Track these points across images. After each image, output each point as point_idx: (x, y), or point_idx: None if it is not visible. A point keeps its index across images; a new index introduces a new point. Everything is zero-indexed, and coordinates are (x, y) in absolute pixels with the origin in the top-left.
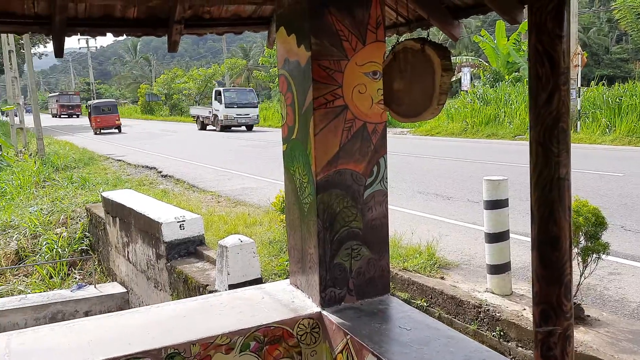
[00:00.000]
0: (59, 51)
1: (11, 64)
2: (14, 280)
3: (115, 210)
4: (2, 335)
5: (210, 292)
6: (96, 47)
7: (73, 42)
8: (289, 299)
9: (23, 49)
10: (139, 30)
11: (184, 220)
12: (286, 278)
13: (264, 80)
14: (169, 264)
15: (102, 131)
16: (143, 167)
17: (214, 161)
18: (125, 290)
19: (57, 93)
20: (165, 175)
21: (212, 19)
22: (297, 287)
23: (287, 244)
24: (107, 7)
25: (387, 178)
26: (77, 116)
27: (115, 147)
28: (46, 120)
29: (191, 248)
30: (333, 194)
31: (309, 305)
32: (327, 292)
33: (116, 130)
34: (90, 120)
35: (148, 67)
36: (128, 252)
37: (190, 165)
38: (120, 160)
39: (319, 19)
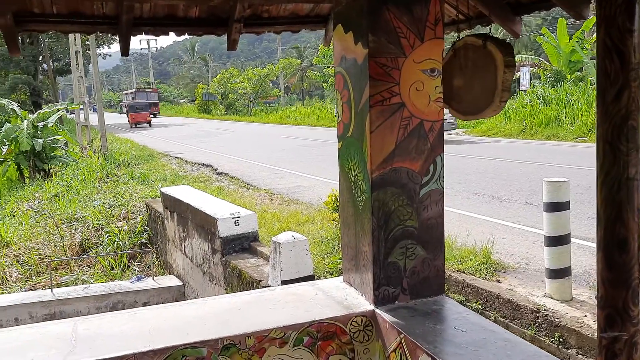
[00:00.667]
0: (125, 50)
1: (77, 64)
2: (78, 270)
3: (173, 205)
4: (68, 320)
5: (264, 287)
6: (156, 48)
7: (135, 43)
8: (342, 296)
9: (88, 50)
10: (200, 30)
11: (239, 217)
12: (339, 276)
13: (317, 80)
14: (224, 259)
15: (137, 125)
16: (199, 164)
17: (268, 160)
18: (182, 283)
19: (133, 90)
20: (221, 173)
21: (270, 18)
22: (350, 285)
23: (339, 242)
24: (170, 6)
25: (443, 177)
26: (154, 116)
27: (173, 145)
28: (114, 118)
29: (245, 244)
30: (388, 192)
31: (362, 302)
32: (380, 290)
33: (147, 125)
34: (127, 117)
35: (205, 67)
36: (185, 247)
37: (245, 164)
38: (177, 158)
39: (377, 15)
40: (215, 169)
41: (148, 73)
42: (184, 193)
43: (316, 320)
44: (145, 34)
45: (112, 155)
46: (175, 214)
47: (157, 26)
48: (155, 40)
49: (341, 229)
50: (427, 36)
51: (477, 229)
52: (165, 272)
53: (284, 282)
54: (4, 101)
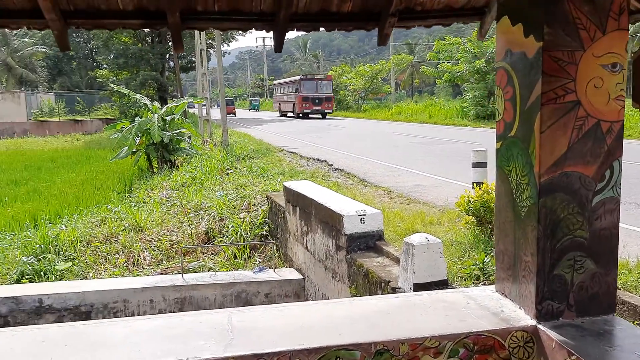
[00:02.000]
0: (278, 46)
1: (202, 61)
2: (204, 258)
3: (296, 199)
4: (222, 311)
5: (393, 289)
6: (270, 45)
7: (250, 41)
8: (497, 308)
9: (209, 48)
10: (350, 25)
11: (365, 214)
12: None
13: (431, 76)
14: (348, 256)
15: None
16: (314, 159)
17: (383, 156)
18: (302, 277)
19: (299, 77)
20: (336, 169)
21: (423, 11)
22: (505, 296)
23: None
24: (325, 1)
25: (620, 184)
26: (324, 116)
27: (287, 139)
28: (246, 113)
29: (370, 242)
30: (557, 198)
31: (521, 316)
32: (543, 304)
33: (233, 115)
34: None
35: (316, 63)
36: (306, 241)
37: (360, 160)
38: (293, 153)
39: (554, 5)
40: (331, 165)
41: (262, 70)
42: (307, 188)
43: (473, 332)
44: (297, 30)
45: (232, 148)
46: (297, 208)
47: (310, 22)
48: (270, 37)
49: (496, 235)
50: (610, 27)
51: (633, 240)
52: (285, 264)
53: (416, 286)
54: (138, 96)
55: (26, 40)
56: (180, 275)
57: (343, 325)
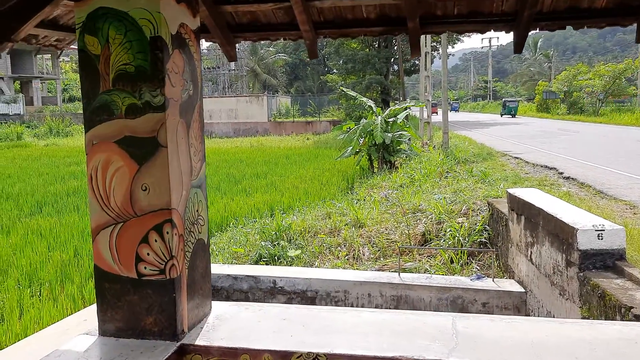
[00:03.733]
0: (518, 46)
1: (426, 64)
2: (420, 259)
3: (521, 208)
4: (446, 315)
5: (637, 316)
6: (497, 45)
7: (476, 42)
8: None
9: (433, 50)
10: (603, 21)
11: (604, 230)
12: None
13: None
14: (581, 274)
15: None
16: (541, 166)
17: (624, 166)
18: (524, 291)
19: None
20: (567, 177)
21: None
22: None
23: None
24: None
25: None
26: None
27: (512, 144)
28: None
29: (609, 261)
30: None
31: None
32: None
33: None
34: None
35: (547, 63)
36: (531, 253)
37: (595, 169)
38: (517, 158)
39: None
40: (561, 173)
41: (485, 71)
42: (534, 196)
43: None
44: (540, 29)
45: (452, 151)
46: (522, 217)
47: (556, 20)
48: (497, 38)
49: None
50: None
51: None
52: (505, 275)
53: None
54: (364, 99)
55: (270, 49)
56: (397, 273)
57: (580, 349)
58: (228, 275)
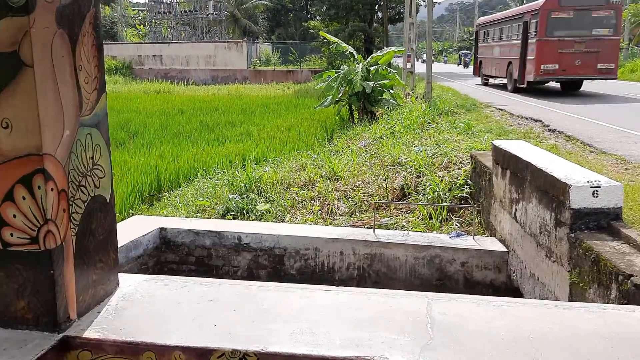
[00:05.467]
0: None
1: (411, 11)
2: (397, 215)
3: (507, 161)
4: (421, 295)
5: (636, 285)
6: None
7: None
8: None
9: None
10: None
11: (599, 187)
12: None
13: None
14: (572, 235)
15: None
16: (526, 118)
17: (612, 119)
18: (506, 250)
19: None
20: (553, 130)
21: None
22: None
23: None
24: None
25: None
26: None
27: (495, 96)
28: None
29: (603, 222)
30: None
31: None
32: None
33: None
34: None
35: None
36: (516, 210)
37: (582, 122)
38: (501, 110)
39: None
40: (547, 125)
41: (471, 22)
42: (521, 149)
43: None
44: None
45: (434, 102)
46: (507, 171)
47: None
48: None
49: None
50: None
51: None
52: (486, 233)
53: None
54: (344, 45)
55: None
56: (372, 230)
57: (594, 345)
58: (189, 230)
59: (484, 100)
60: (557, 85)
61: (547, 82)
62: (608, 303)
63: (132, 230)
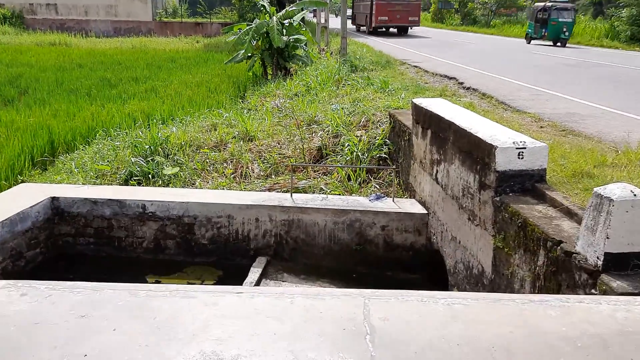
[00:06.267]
0: None
1: None
2: (315, 177)
3: (428, 120)
4: (357, 293)
5: (567, 253)
6: None
7: None
8: None
9: None
10: None
11: (525, 148)
12: None
13: None
14: (497, 199)
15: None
16: (441, 76)
17: (522, 77)
18: (426, 212)
19: None
20: (468, 88)
21: None
22: None
23: None
24: None
25: None
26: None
27: (410, 53)
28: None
29: (527, 184)
30: None
31: None
32: None
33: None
34: None
35: None
36: (437, 171)
37: (495, 79)
38: (416, 67)
39: None
40: (461, 83)
41: None
42: (443, 108)
43: None
44: None
45: (349, 58)
46: (428, 131)
47: None
48: None
49: None
50: None
51: None
52: (405, 194)
53: (607, 255)
54: None
55: None
56: (289, 194)
57: (566, 354)
58: (86, 199)
59: (398, 57)
60: (395, 30)
61: (383, 28)
62: (534, 269)
63: (18, 200)
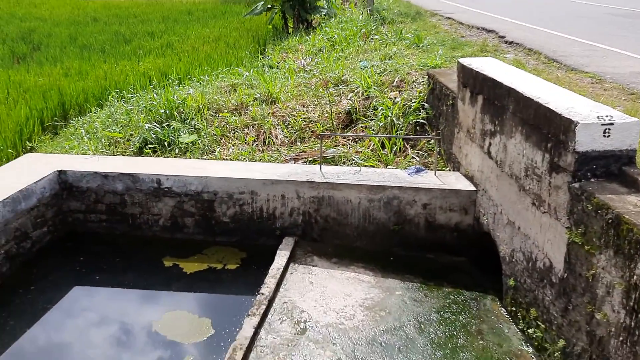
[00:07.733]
0: None
1: None
2: (344, 144)
3: (479, 84)
4: None
5: None
6: None
7: None
8: None
9: None
10: None
11: (612, 124)
12: None
13: None
14: (575, 185)
15: None
16: (478, 28)
17: (569, 30)
18: (474, 189)
19: None
20: (511, 42)
21: None
22: None
23: None
24: None
25: None
26: None
27: (440, 3)
28: None
29: (613, 167)
30: None
31: None
32: None
33: None
34: None
35: None
36: (490, 144)
37: (539, 32)
38: (449, 19)
39: None
40: (502, 37)
41: None
42: (498, 70)
43: None
44: None
45: (376, 10)
46: (479, 97)
47: None
48: None
49: None
50: None
51: None
52: (447, 166)
53: None
54: None
55: None
56: (318, 166)
57: None
58: (96, 172)
59: (428, 7)
60: None
61: None
62: (629, 277)
63: (22, 174)
